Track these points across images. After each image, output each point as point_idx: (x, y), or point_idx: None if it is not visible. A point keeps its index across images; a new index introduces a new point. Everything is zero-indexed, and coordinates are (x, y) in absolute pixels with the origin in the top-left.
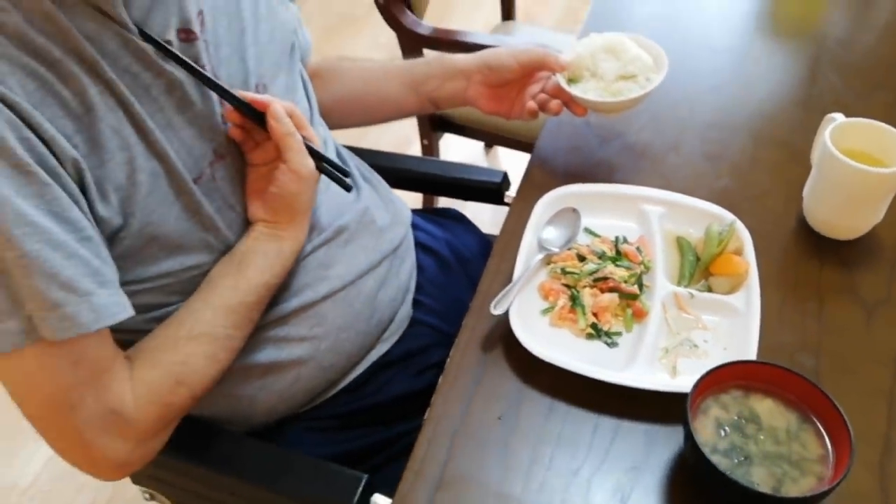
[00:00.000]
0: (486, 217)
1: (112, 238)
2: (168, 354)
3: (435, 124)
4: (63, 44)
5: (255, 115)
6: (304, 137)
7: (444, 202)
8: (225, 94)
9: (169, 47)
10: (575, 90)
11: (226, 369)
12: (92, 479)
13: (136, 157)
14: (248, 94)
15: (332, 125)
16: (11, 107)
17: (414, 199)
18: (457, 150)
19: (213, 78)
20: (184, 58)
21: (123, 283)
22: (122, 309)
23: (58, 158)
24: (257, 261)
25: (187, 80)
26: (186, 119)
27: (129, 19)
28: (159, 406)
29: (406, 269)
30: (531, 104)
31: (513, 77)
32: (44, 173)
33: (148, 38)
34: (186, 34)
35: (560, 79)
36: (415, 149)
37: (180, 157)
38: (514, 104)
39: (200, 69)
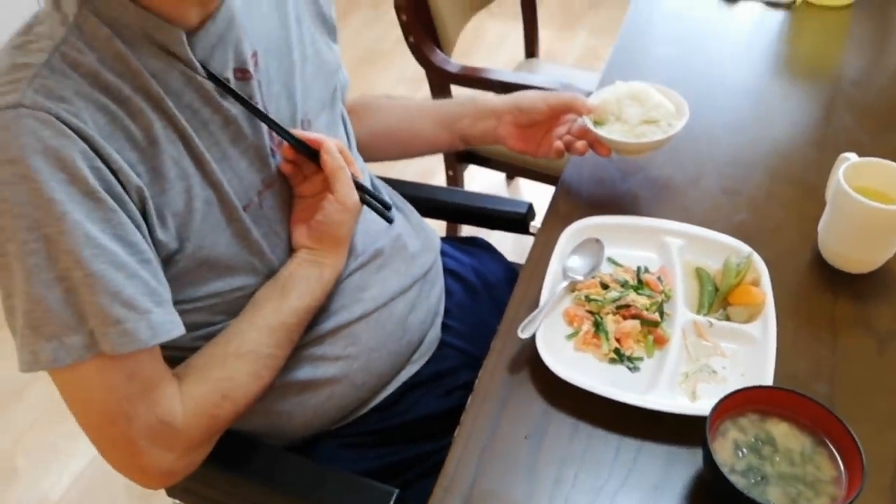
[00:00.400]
0: (508, 246)
1: (168, 261)
2: (215, 371)
3: (460, 156)
4: (132, 82)
5: (308, 152)
6: (351, 173)
7: (468, 231)
8: (282, 132)
9: (228, 84)
10: (600, 132)
11: (267, 386)
12: (121, 494)
13: (193, 186)
14: (303, 133)
15: (367, 158)
16: (86, 139)
17: (438, 228)
18: (480, 180)
19: (270, 116)
20: (243, 96)
21: (175, 303)
22: (175, 326)
23: (124, 187)
24: (299, 285)
25: (241, 115)
26: (239, 151)
27: (197, 59)
28: (205, 418)
29: (435, 294)
30: (558, 144)
31: (541, 118)
32: (111, 200)
33: (209, 76)
34: (242, 73)
35: (587, 121)
36: (439, 179)
37: (232, 186)
38: (542, 143)
39: (255, 105)
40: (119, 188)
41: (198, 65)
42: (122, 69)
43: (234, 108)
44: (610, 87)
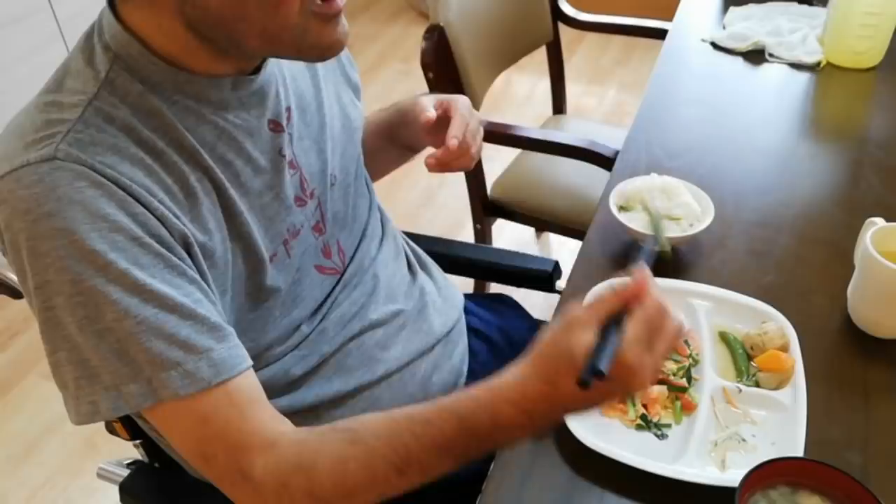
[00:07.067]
0: (537, 301)
1: None
2: (312, 438)
3: (487, 210)
4: (165, 135)
5: None
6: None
7: (496, 287)
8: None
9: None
10: (622, 217)
11: (358, 483)
12: None
13: (226, 237)
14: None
15: None
16: (124, 188)
17: (465, 283)
18: (510, 234)
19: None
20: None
21: None
22: (241, 360)
23: (170, 232)
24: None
25: (270, 166)
26: (268, 200)
27: (231, 110)
28: (277, 484)
29: (458, 352)
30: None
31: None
32: (157, 244)
33: (242, 127)
34: (275, 125)
35: (612, 205)
36: (467, 232)
37: (260, 236)
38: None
39: (282, 156)
40: (165, 233)
41: (231, 117)
42: (156, 123)
43: (262, 159)
44: (646, 177)
